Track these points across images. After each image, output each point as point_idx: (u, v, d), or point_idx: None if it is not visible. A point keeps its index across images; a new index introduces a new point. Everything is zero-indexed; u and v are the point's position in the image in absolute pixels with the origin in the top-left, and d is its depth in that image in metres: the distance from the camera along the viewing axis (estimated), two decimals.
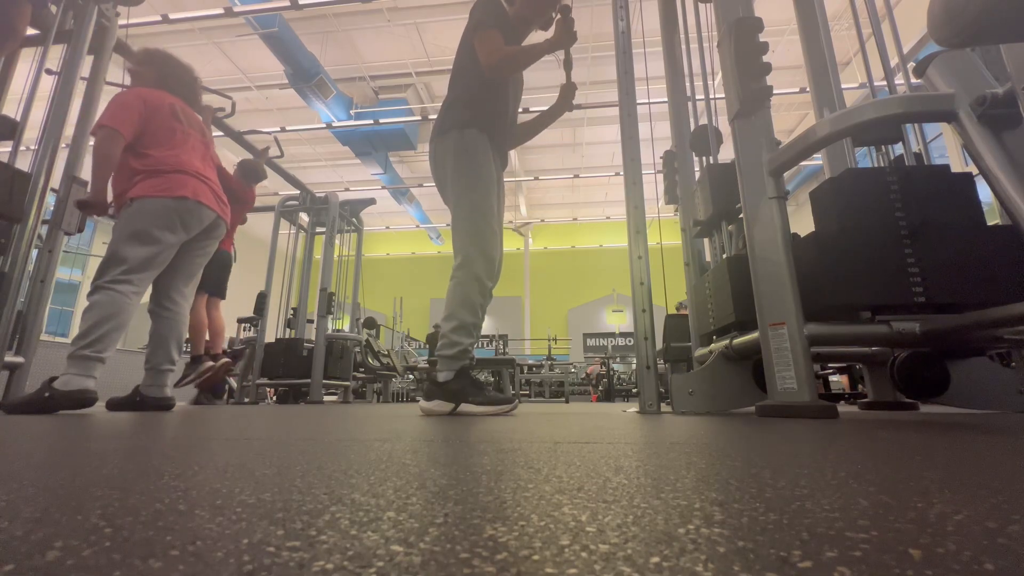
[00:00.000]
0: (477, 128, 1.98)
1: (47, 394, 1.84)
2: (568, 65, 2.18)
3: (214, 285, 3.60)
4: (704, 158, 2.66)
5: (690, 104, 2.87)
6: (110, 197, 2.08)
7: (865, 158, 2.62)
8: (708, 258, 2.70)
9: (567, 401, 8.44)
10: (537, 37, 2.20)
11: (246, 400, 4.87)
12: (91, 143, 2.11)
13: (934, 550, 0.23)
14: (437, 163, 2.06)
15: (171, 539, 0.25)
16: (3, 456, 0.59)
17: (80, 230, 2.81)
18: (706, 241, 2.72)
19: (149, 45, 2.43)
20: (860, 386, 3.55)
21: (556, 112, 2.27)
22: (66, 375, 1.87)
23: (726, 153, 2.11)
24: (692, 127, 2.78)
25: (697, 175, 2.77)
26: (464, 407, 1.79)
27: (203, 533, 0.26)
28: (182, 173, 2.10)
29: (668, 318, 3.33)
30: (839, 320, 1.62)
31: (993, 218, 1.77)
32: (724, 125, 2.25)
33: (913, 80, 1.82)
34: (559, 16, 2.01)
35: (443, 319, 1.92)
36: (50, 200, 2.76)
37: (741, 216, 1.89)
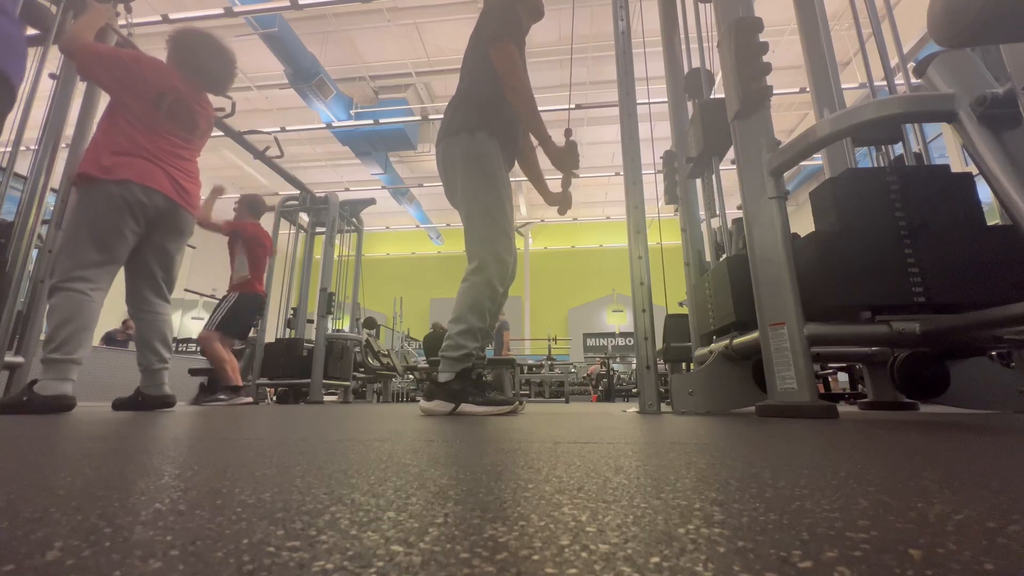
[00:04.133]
0: (487, 131, 1.99)
1: (25, 398, 1.81)
2: (566, 183, 2.29)
3: (233, 327, 3.79)
4: (696, 100, 2.66)
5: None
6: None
7: (865, 158, 2.62)
8: (708, 258, 2.70)
9: (567, 401, 8.43)
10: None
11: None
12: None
13: (934, 550, 0.23)
14: (446, 164, 2.05)
15: (171, 539, 0.25)
16: (3, 456, 0.59)
17: None
18: (706, 240, 2.72)
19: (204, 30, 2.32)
20: (860, 386, 3.55)
21: (546, 198, 2.41)
22: (44, 380, 1.83)
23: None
24: None
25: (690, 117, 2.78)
26: (464, 407, 1.79)
27: (203, 533, 0.26)
28: (132, 156, 1.96)
29: (668, 318, 3.33)
30: (839, 320, 1.62)
31: (993, 218, 1.77)
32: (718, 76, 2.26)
33: (913, 80, 1.82)
34: (567, 140, 2.16)
35: (451, 321, 1.92)
36: (50, 200, 2.76)
37: (741, 216, 1.89)
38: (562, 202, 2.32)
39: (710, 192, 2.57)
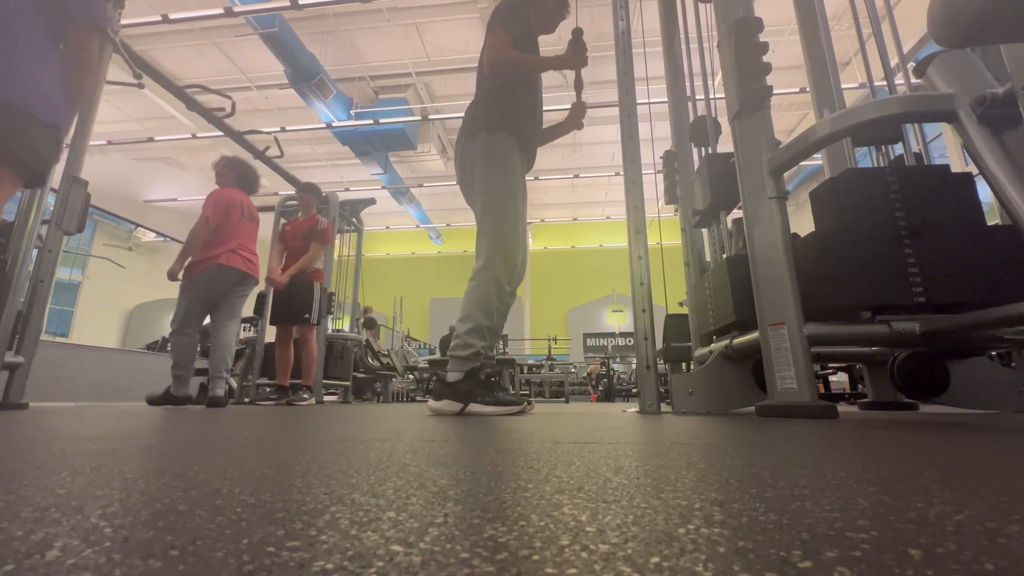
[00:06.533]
0: (506, 131, 2.00)
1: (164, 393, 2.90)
2: (579, 85, 2.23)
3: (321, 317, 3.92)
4: (703, 149, 2.66)
5: (690, 104, 2.87)
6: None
7: (865, 158, 2.61)
8: (708, 258, 2.69)
9: (567, 401, 8.43)
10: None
11: (246, 400, 4.87)
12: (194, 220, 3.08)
13: (934, 550, 0.23)
14: (465, 164, 2.06)
15: (171, 539, 0.25)
16: (3, 456, 0.59)
17: (80, 230, 2.81)
18: (706, 240, 2.72)
19: (227, 154, 3.46)
20: (860, 386, 3.55)
21: (565, 129, 2.33)
22: (175, 388, 2.93)
23: (725, 149, 2.11)
24: None
25: (696, 167, 2.78)
26: (473, 407, 1.79)
27: (203, 533, 0.26)
28: (226, 252, 3.07)
29: (668, 318, 3.33)
30: (839, 320, 1.62)
31: (993, 218, 1.77)
32: (724, 121, 2.26)
33: (913, 80, 1.82)
34: (572, 37, 2.09)
35: (459, 320, 1.92)
36: (50, 200, 2.76)
37: (741, 216, 1.89)
38: (576, 114, 2.26)
39: (716, 243, 2.53)
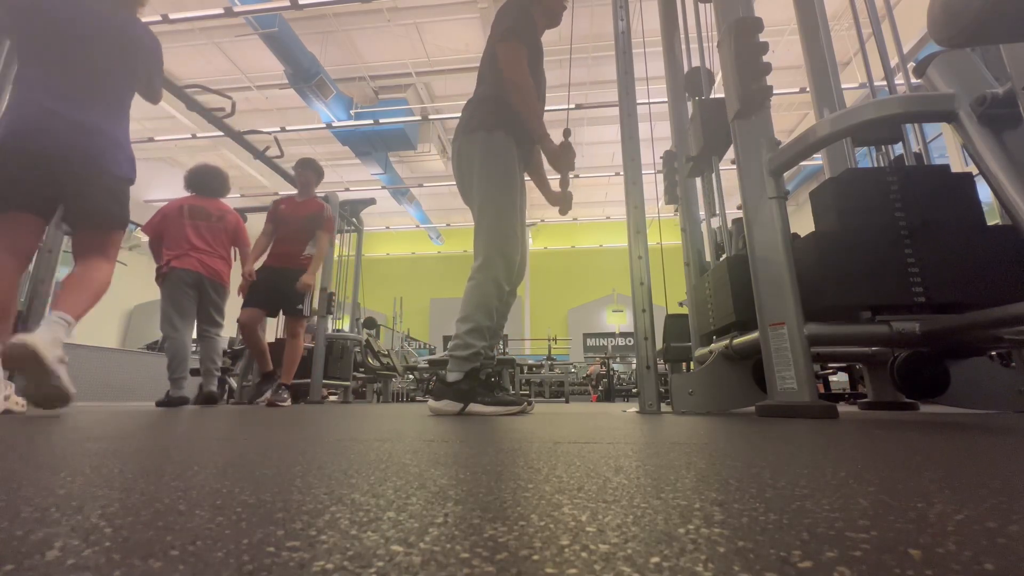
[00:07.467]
0: (505, 130, 1.99)
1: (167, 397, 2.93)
2: (564, 183, 2.27)
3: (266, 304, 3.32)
4: (696, 99, 2.65)
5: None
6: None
7: (865, 158, 2.62)
8: (708, 258, 2.69)
9: (567, 401, 8.43)
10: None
11: (246, 400, 4.87)
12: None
13: (934, 550, 0.23)
14: (462, 161, 2.06)
15: (171, 539, 0.25)
16: (3, 456, 0.59)
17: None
18: (706, 241, 2.72)
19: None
20: (860, 386, 3.55)
21: (547, 197, 2.40)
22: (173, 391, 2.97)
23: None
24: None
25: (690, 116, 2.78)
26: (473, 407, 1.79)
27: (203, 533, 0.26)
28: (180, 256, 3.13)
29: (668, 318, 3.33)
30: (839, 320, 1.62)
31: (993, 218, 1.77)
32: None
33: (913, 80, 1.82)
34: (564, 140, 2.12)
35: (458, 320, 1.91)
36: None
37: (741, 216, 1.89)
38: (562, 202, 2.30)
39: (710, 191, 2.57)
